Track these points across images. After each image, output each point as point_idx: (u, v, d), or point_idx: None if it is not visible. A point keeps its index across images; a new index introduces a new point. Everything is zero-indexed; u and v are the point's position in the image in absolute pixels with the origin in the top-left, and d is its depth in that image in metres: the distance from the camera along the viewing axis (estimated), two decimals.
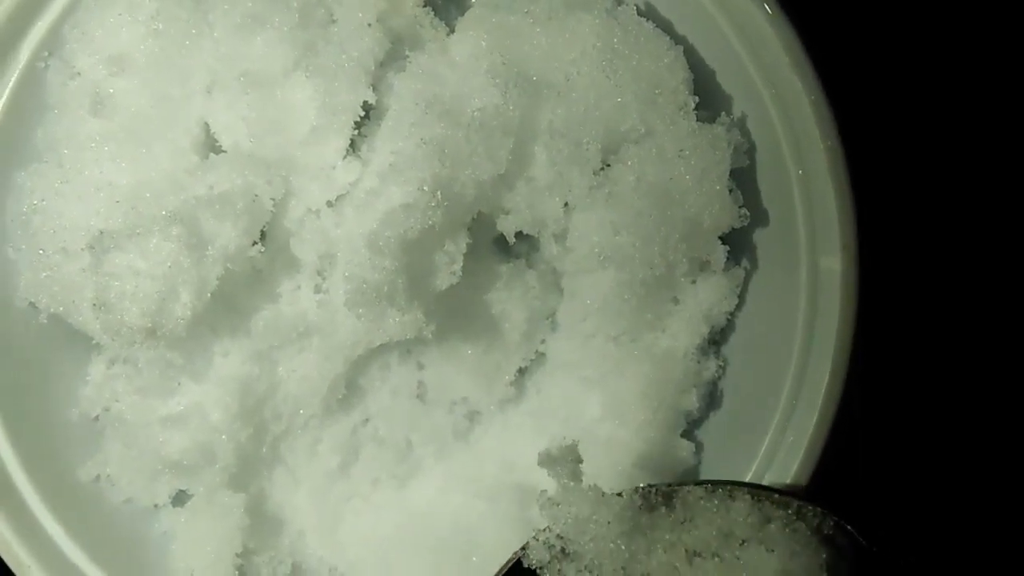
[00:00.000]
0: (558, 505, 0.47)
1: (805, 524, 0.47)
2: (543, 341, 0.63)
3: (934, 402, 0.66)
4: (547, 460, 0.49)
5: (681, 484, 0.50)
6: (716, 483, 0.49)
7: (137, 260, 0.52)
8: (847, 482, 0.61)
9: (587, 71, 0.55)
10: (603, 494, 0.48)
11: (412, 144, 0.53)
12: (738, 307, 0.59)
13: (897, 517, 0.65)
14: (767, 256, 0.58)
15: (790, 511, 0.48)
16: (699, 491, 0.49)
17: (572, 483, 0.48)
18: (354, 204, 0.56)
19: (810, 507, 0.48)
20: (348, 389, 0.61)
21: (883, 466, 0.66)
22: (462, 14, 0.60)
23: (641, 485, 0.50)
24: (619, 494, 0.48)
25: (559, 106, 0.55)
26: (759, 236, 0.58)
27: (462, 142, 0.53)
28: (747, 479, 0.55)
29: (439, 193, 0.52)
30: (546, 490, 0.48)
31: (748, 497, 0.48)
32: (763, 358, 0.57)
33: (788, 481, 0.53)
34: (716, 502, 0.48)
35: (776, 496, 0.48)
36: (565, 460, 0.49)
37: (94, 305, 0.52)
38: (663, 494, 0.49)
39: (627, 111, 0.55)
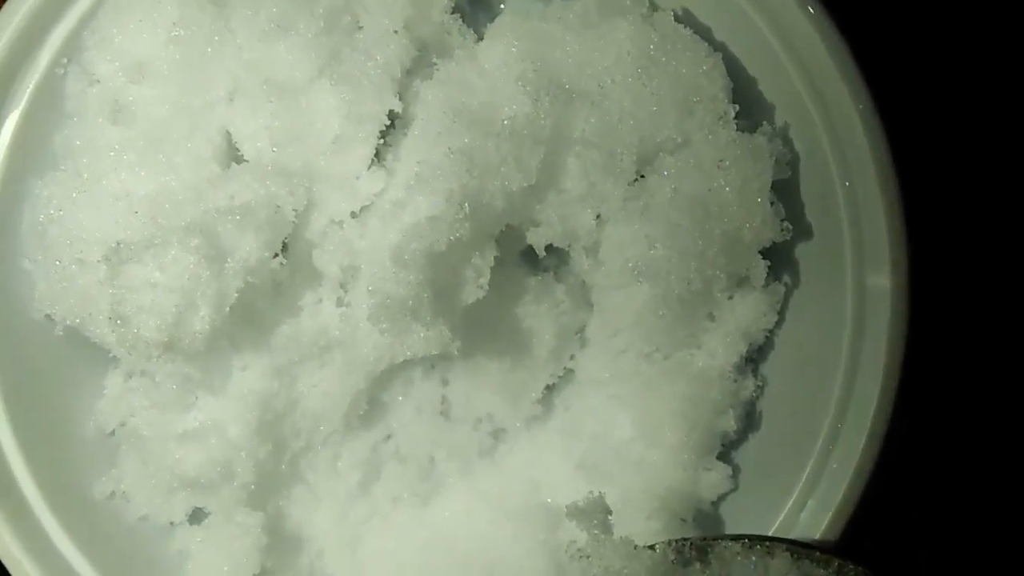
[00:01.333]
0: (588, 558, 0.46)
1: None
2: (572, 357, 0.61)
3: (987, 425, 0.64)
4: (576, 512, 0.47)
5: (717, 538, 0.48)
6: (754, 538, 0.48)
7: (154, 272, 0.51)
8: (893, 506, 0.59)
9: (621, 78, 0.54)
10: (635, 547, 0.46)
11: (439, 153, 0.52)
12: (778, 324, 0.57)
13: (945, 543, 0.63)
14: (810, 272, 0.56)
15: (831, 570, 0.46)
16: (736, 547, 0.47)
17: (603, 535, 0.46)
18: (379, 215, 0.55)
19: (851, 566, 0.46)
20: (370, 404, 0.60)
21: (931, 492, 0.64)
22: (491, 21, 0.59)
23: (675, 539, 0.48)
24: (652, 547, 0.47)
25: (592, 115, 0.54)
26: (801, 251, 0.56)
27: (491, 152, 0.52)
28: (789, 504, 0.53)
29: (467, 205, 0.51)
30: (575, 541, 0.47)
31: (787, 554, 0.46)
32: (806, 378, 0.55)
33: (834, 508, 0.51)
34: (754, 559, 0.46)
35: (817, 554, 0.47)
36: (595, 512, 0.47)
37: (110, 318, 0.51)
38: (698, 548, 0.47)
39: (663, 120, 0.54)
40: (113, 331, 0.52)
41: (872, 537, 0.55)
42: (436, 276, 0.52)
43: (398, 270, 0.51)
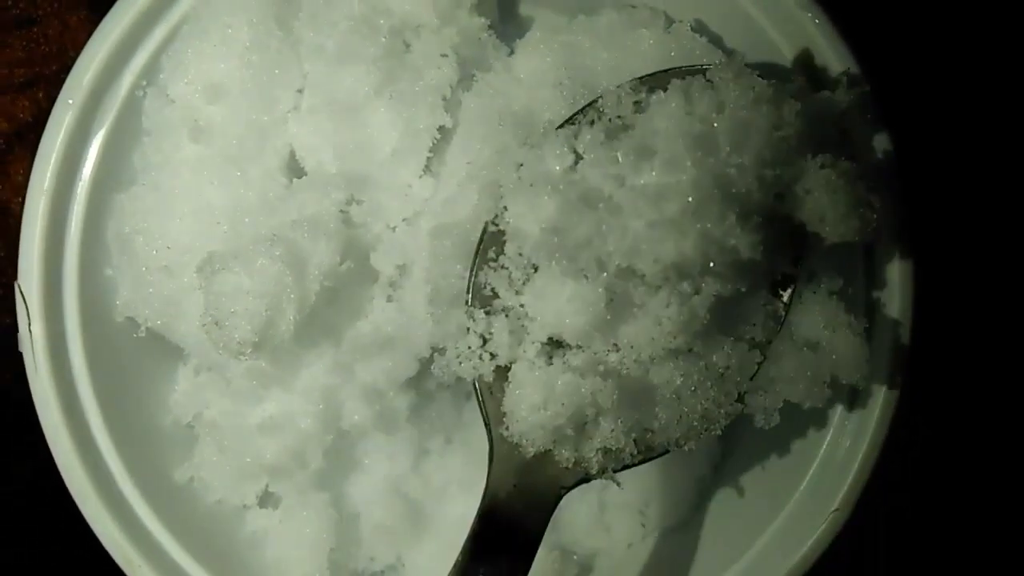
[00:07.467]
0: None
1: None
2: None
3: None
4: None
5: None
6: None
7: (244, 279, 0.54)
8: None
9: None
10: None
11: (486, 154, 0.56)
12: None
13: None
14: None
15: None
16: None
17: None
18: (431, 215, 0.58)
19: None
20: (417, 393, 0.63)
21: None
22: (520, 37, 0.63)
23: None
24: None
25: None
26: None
27: None
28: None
29: None
30: None
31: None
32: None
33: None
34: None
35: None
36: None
37: (206, 323, 0.54)
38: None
39: None
40: (208, 334, 0.54)
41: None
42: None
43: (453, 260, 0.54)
